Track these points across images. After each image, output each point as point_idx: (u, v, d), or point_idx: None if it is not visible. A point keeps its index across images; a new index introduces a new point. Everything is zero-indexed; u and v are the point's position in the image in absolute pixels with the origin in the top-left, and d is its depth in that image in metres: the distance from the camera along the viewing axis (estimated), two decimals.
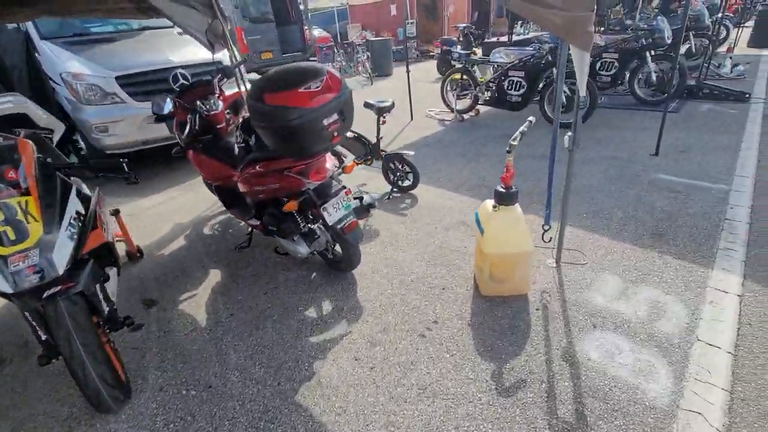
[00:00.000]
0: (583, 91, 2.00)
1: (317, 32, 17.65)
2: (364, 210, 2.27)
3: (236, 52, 5.15)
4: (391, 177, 3.61)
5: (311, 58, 11.88)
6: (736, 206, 2.90)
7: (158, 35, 5.08)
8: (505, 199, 2.01)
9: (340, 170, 2.23)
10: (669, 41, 5.26)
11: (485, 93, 5.54)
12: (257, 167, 2.07)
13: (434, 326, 2.05)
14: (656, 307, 2.04)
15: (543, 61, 4.85)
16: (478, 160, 4.23)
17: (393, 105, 3.42)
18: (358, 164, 3.95)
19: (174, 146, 3.16)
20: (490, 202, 2.10)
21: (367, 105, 3.42)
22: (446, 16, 16.27)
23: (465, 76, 5.77)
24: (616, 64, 5.65)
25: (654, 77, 5.44)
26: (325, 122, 1.74)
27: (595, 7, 1.72)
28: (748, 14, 13.40)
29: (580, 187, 3.41)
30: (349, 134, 3.59)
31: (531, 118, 2.16)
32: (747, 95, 5.47)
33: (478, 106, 6.02)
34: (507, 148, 1.98)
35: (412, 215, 3.24)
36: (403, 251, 2.75)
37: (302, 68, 1.79)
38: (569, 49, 1.89)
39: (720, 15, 9.98)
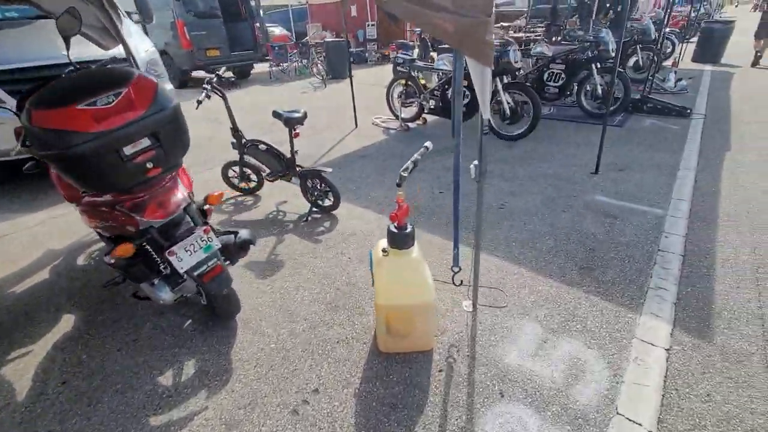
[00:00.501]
0: (486, 114, 1.68)
1: (278, 30, 17.05)
2: (239, 249, 1.86)
3: (142, 51, 4.58)
4: (310, 196, 3.21)
5: (266, 58, 11.30)
6: (670, 234, 2.70)
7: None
8: (397, 241, 1.65)
9: (203, 202, 1.80)
10: (614, 54, 5.16)
11: (430, 101, 5.24)
12: (86, 198, 1.62)
13: (313, 397, 1.66)
14: (575, 367, 1.75)
15: None
16: (414, 177, 3.90)
17: (305, 116, 3.02)
18: (254, 188, 3.51)
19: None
20: (384, 243, 1.74)
21: (275, 115, 3.00)
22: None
23: (410, 83, 5.46)
24: (563, 75, 5.51)
25: (600, 90, 5.33)
26: (127, 151, 1.32)
27: (493, 12, 1.39)
28: (692, 30, 14.03)
29: (515, 210, 3.14)
30: (261, 147, 3.15)
31: (427, 143, 1.81)
32: (688, 111, 5.47)
33: (425, 115, 5.73)
34: (397, 181, 1.63)
35: (326, 242, 2.85)
36: (304, 289, 2.35)
37: (93, 76, 1.36)
38: (466, 64, 1.56)
39: (666, 29, 10.30)
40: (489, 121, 4.76)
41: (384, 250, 1.64)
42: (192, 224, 1.70)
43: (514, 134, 4.76)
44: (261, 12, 11.20)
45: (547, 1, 18.19)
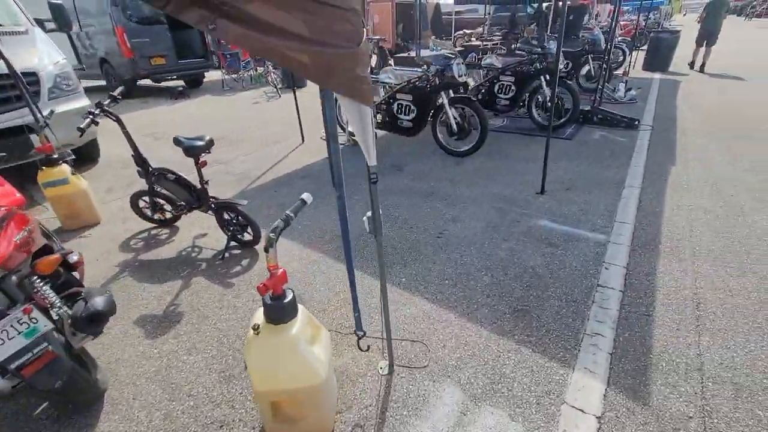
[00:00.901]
0: (371, 162, 1.41)
1: None
2: (86, 324, 1.50)
3: (50, 65, 4.12)
4: (227, 230, 2.86)
5: (218, 66, 10.77)
6: (611, 265, 2.53)
7: None
8: (273, 314, 1.35)
9: (25, 271, 1.43)
10: (561, 66, 5.08)
11: (377, 116, 4.99)
12: None
13: None
14: None
15: (428, 85, 4.39)
16: (351, 201, 3.61)
17: (210, 143, 2.68)
18: (171, 219, 3.14)
19: None
20: (261, 314, 1.42)
21: (176, 142, 2.64)
22: (369, 28, 15.88)
23: None
24: (513, 87, 5.40)
25: (548, 103, 5.24)
26: None
27: (363, 40, 1.13)
28: (643, 38, 14.55)
29: (454, 239, 2.91)
30: (169, 176, 2.79)
31: (304, 196, 1.52)
32: (636, 122, 5.47)
33: (375, 130, 5.47)
34: (264, 244, 1.33)
35: (239, 286, 2.51)
36: (198, 352, 2.01)
37: None
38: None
39: (618, 39, 10.56)
40: (437, 137, 4.48)
41: (255, 327, 1.33)
42: (15, 304, 1.34)
43: (462, 150, 4.57)
44: None
45: (506, 10, 18.61)
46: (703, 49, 9.44)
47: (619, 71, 9.38)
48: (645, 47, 11.73)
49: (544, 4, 14.88)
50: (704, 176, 3.80)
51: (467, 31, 18.32)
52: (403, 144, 5.15)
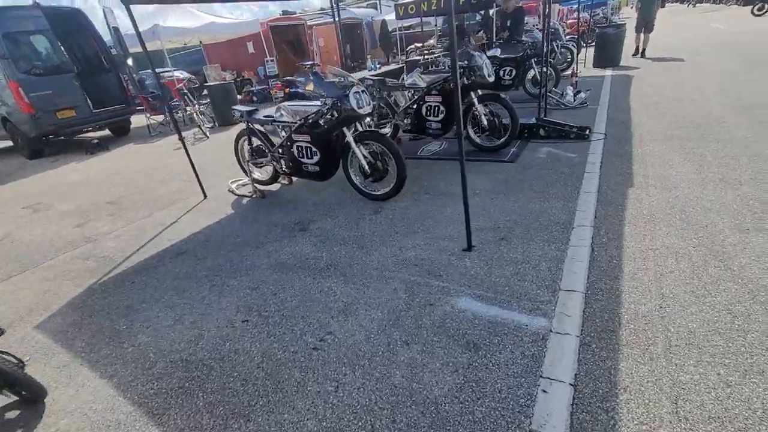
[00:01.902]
0: None
1: (181, 74, 15.65)
2: None
3: None
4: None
5: (148, 111, 9.84)
6: (555, 381, 1.69)
7: None
8: None
9: None
10: (491, 78, 4.37)
11: (280, 160, 4.15)
12: None
13: None
14: None
15: (324, 120, 3.58)
16: (222, 291, 2.71)
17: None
18: None
19: None
20: None
21: None
22: (316, 51, 15.29)
23: (255, 139, 4.35)
24: (442, 108, 4.65)
25: (485, 121, 4.51)
26: None
27: None
28: (593, 35, 14.30)
29: (333, 354, 2.03)
30: None
31: None
32: (587, 132, 4.78)
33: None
34: None
35: None
36: None
37: None
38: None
39: (566, 38, 10.13)
40: (350, 179, 3.62)
41: None
42: None
43: (380, 194, 3.76)
44: (130, 60, 9.80)
45: (456, 19, 18.38)
46: (642, 36, 10.08)
47: (569, 71, 8.85)
48: (593, 44, 11.39)
49: (491, 11, 14.62)
50: (670, 199, 3.06)
51: (418, 45, 17.97)
52: (320, 189, 4.30)
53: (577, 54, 9.31)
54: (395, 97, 5.19)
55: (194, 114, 8.45)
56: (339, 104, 3.36)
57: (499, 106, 4.45)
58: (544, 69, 5.59)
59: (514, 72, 7.28)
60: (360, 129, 3.64)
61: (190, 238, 3.63)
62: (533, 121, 5.07)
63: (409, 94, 4.94)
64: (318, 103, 3.66)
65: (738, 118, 4.76)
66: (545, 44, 5.16)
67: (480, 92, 4.52)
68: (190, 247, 3.47)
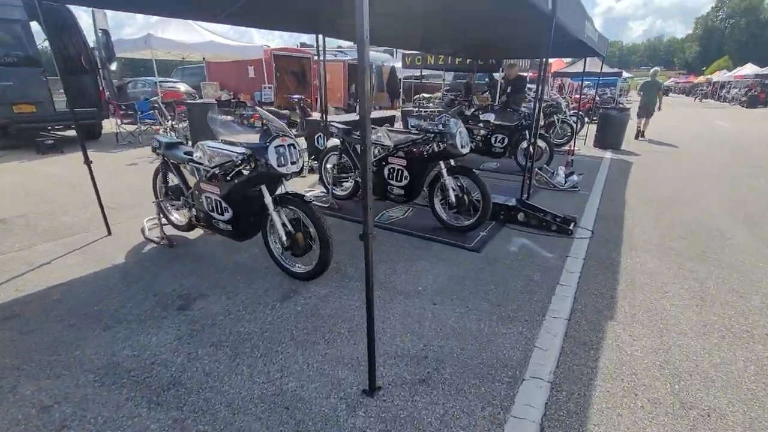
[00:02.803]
0: None
1: (183, 87, 15.39)
2: None
3: None
4: None
5: (118, 117, 9.26)
6: None
7: None
8: None
9: None
10: (465, 151, 3.73)
11: (192, 208, 3.39)
12: None
13: None
14: None
15: (232, 173, 2.84)
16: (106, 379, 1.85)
17: None
18: None
19: None
20: None
21: None
22: (320, 85, 15.06)
23: (173, 176, 3.61)
24: (407, 174, 3.98)
25: (452, 196, 3.82)
26: None
27: None
28: (594, 114, 14.15)
29: None
30: None
31: None
32: (572, 224, 4.08)
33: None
34: None
35: None
36: None
37: None
38: None
39: (569, 111, 9.80)
40: (269, 249, 2.85)
41: None
42: None
43: (299, 272, 2.99)
44: (114, 65, 9.34)
45: (464, 77, 18.49)
46: (644, 120, 10.73)
47: (566, 147, 8.39)
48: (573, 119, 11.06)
49: (496, 75, 14.59)
50: (659, 352, 2.28)
51: (425, 95, 17.96)
52: (243, 248, 3.51)
53: (578, 130, 8.90)
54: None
55: (162, 131, 7.82)
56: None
57: (470, 181, 3.78)
58: (533, 143, 4.99)
59: (506, 140, 6.76)
60: (284, 190, 2.91)
61: (41, 294, 2.79)
62: (513, 202, 4.39)
63: (376, 151, 4.29)
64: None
65: (743, 234, 4.09)
66: (536, 117, 4.56)
67: (452, 162, 3.87)
68: (29, 308, 2.62)
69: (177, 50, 10.63)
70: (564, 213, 4.23)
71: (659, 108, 10.59)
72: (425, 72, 20.70)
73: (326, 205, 4.68)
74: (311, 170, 6.16)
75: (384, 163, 4.06)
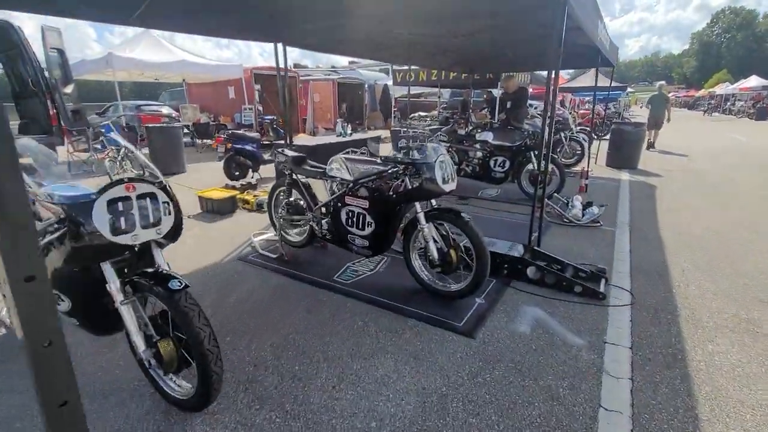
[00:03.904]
0: None
1: (166, 110, 14.63)
2: None
3: None
4: None
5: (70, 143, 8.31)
6: None
7: None
8: None
9: None
10: (448, 187, 2.63)
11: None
12: None
13: None
14: None
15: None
16: None
17: None
18: None
19: None
20: None
21: None
22: (309, 105, 14.24)
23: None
24: (370, 219, 2.87)
25: (434, 250, 2.70)
26: None
27: None
28: (605, 128, 13.14)
29: None
30: None
31: None
32: (602, 284, 2.95)
33: None
34: None
35: None
36: None
37: None
38: None
39: (576, 128, 8.78)
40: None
41: None
42: None
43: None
44: (70, 88, 8.45)
45: (460, 95, 17.69)
46: (653, 132, 10.90)
47: (577, 168, 7.30)
48: (607, 137, 10.07)
49: (493, 90, 13.71)
50: None
51: (421, 114, 17.12)
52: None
53: (589, 147, 7.83)
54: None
55: (108, 160, 6.79)
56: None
57: (457, 230, 2.67)
58: (542, 171, 3.88)
59: (507, 163, 5.70)
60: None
61: None
62: (520, 251, 3.27)
63: (334, 187, 3.19)
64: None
65: None
66: (547, 134, 3.46)
67: (432, 203, 2.77)
68: None
69: (143, 70, 9.78)
70: (587, 261, 3.10)
71: (668, 119, 10.60)
72: (422, 90, 19.98)
73: (274, 256, 3.58)
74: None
75: (340, 203, 2.97)
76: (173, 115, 14.37)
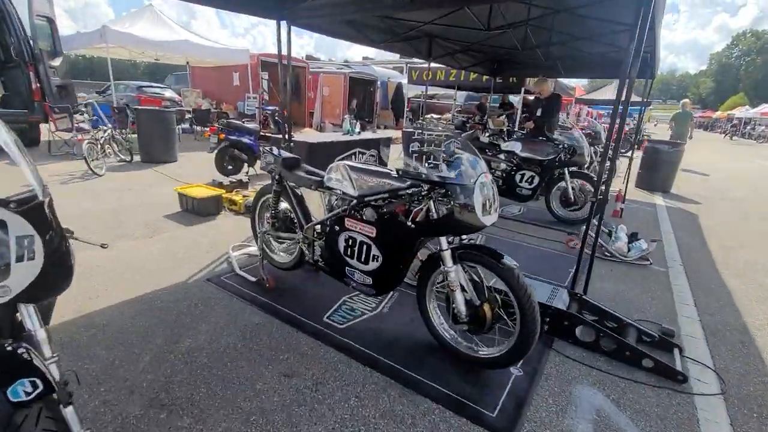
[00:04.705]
0: None
1: (169, 93, 13.98)
2: None
3: None
4: None
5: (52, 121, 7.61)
6: None
7: None
8: None
9: None
10: (489, 220, 1.89)
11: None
12: None
13: None
14: None
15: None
16: None
17: None
18: None
19: None
20: None
21: None
22: (317, 98, 13.52)
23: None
24: (377, 252, 2.13)
25: (461, 302, 1.96)
26: None
27: None
28: (627, 145, 12.34)
29: None
30: None
31: None
32: (676, 354, 2.22)
33: None
34: None
35: None
36: None
37: None
38: None
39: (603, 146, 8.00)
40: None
41: None
42: None
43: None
44: (58, 61, 7.75)
45: (478, 99, 16.92)
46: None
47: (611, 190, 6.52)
48: (628, 154, 9.29)
49: (512, 96, 12.92)
50: None
51: (434, 116, 16.36)
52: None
53: (628, 169, 7.04)
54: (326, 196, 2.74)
55: (87, 142, 6.08)
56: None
57: (492, 275, 1.93)
58: (600, 199, 3.12)
59: (537, 179, 4.96)
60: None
61: None
62: (564, 301, 2.55)
63: (333, 202, 2.46)
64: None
65: None
66: (611, 149, 2.71)
67: (457, 240, 2.04)
68: None
69: (142, 48, 9.08)
70: (645, 316, 2.37)
71: (690, 137, 10.36)
72: (435, 91, 19.23)
73: (253, 279, 2.86)
74: None
75: (339, 228, 2.24)
76: (176, 99, 13.69)
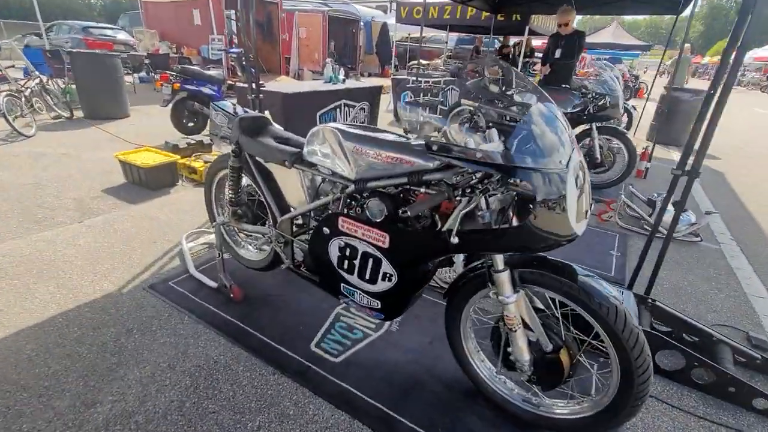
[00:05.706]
0: None
1: (123, 35, 12.22)
2: None
3: None
4: None
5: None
6: None
7: None
8: None
9: None
10: (580, 229, 1.15)
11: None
12: None
13: None
14: None
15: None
16: None
17: None
18: None
19: None
20: None
21: None
22: (293, 40, 12.00)
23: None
24: (388, 269, 1.39)
25: (526, 350, 1.27)
26: None
27: None
28: (628, 92, 11.54)
29: None
30: None
31: None
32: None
33: None
34: None
35: None
36: None
37: None
38: None
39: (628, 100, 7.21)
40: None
41: None
42: None
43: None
44: None
45: (471, 42, 15.47)
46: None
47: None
48: (630, 103, 8.49)
49: (513, 38, 11.68)
50: None
51: (423, 62, 14.99)
52: None
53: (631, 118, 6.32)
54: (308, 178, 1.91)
55: (6, 94, 4.92)
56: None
57: (562, 297, 1.22)
58: (686, 168, 2.38)
59: None
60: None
61: None
62: (633, 309, 1.91)
63: (318, 184, 1.65)
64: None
65: None
66: (710, 111, 1.98)
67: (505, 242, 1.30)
68: None
69: None
70: (718, 319, 1.77)
71: (687, 82, 10.01)
72: (425, 34, 17.59)
73: (214, 285, 2.10)
74: None
75: (329, 228, 1.46)
76: (131, 42, 11.94)
